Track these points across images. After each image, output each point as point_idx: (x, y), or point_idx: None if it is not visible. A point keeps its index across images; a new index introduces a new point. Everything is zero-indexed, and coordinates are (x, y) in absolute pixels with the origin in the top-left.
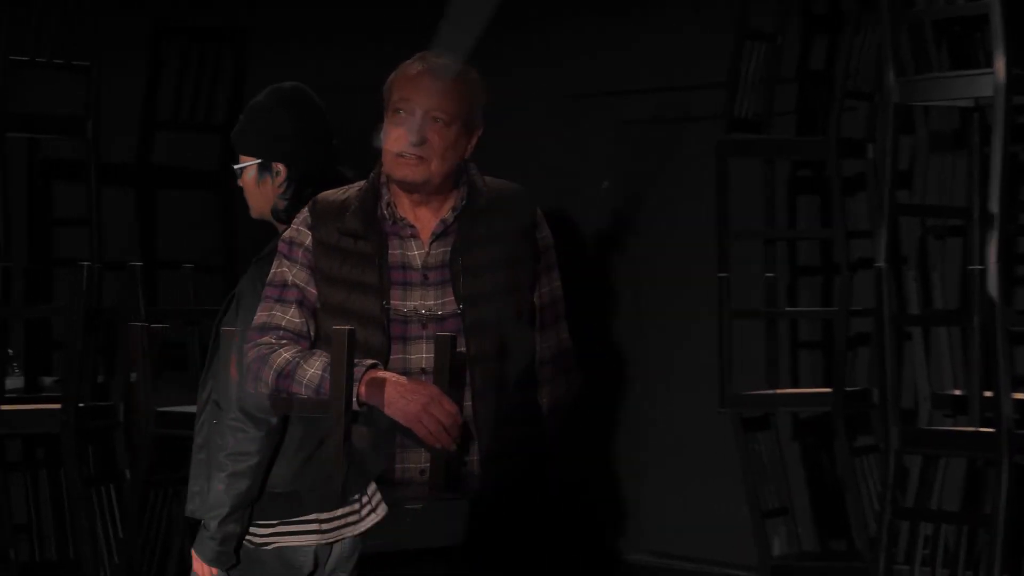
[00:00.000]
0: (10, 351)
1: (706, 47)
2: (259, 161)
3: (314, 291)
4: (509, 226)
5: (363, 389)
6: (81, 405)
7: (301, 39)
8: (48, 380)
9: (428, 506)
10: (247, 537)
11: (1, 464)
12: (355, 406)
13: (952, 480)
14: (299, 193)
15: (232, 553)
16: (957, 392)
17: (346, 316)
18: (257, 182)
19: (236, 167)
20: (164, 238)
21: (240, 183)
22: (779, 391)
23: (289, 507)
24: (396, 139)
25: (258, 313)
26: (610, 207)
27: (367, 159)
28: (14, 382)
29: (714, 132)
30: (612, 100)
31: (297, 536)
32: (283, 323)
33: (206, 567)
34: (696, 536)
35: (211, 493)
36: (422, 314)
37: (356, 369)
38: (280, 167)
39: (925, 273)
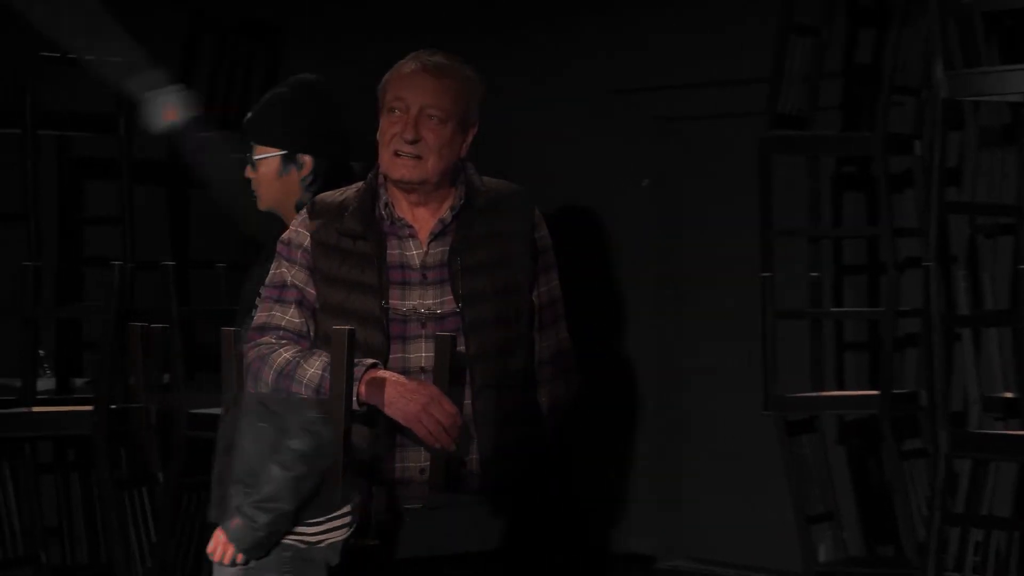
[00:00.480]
0: (41, 352)
1: (749, 41)
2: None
3: (313, 291)
4: (507, 226)
5: (363, 389)
6: (113, 407)
7: (335, 36)
8: (79, 381)
9: (457, 511)
10: (299, 537)
11: (32, 466)
12: (355, 406)
13: (1003, 485)
14: (324, 185)
15: (269, 546)
16: (1008, 394)
17: (345, 316)
18: (279, 174)
19: (256, 157)
20: (197, 237)
21: (253, 174)
22: (824, 393)
23: (332, 502)
24: (391, 138)
25: (257, 313)
26: (651, 205)
27: None
28: (45, 383)
29: (757, 128)
30: (653, 96)
31: (340, 531)
32: (283, 323)
33: (230, 549)
34: (738, 542)
35: (269, 486)
36: (421, 313)
37: (356, 369)
38: (306, 159)
39: (975, 272)
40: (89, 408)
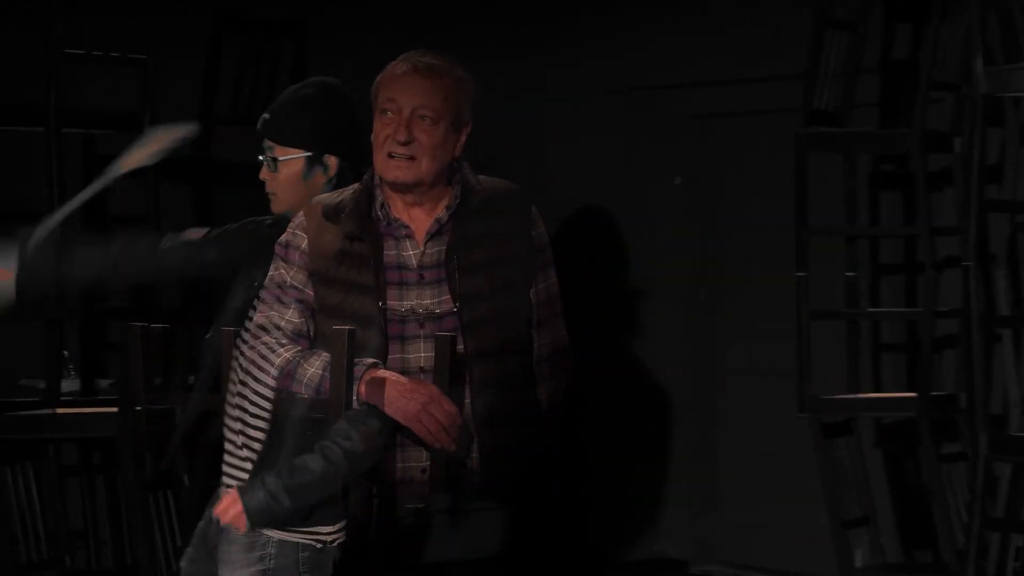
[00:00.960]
0: (66, 353)
1: (784, 36)
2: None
3: (312, 292)
4: (504, 224)
5: (363, 388)
6: (138, 408)
7: (362, 32)
8: (104, 383)
9: (457, 517)
10: (316, 537)
11: (57, 469)
12: (355, 405)
13: None
14: (347, 187)
15: (273, 526)
16: None
17: (343, 317)
18: (304, 176)
19: (282, 159)
20: None
21: (270, 175)
22: (861, 395)
23: (348, 505)
24: (385, 140)
25: (257, 314)
26: (683, 204)
27: None
28: (70, 385)
29: (792, 125)
30: (686, 92)
31: (343, 532)
32: (282, 323)
33: (242, 519)
34: (773, 546)
35: (305, 475)
36: (419, 313)
37: (356, 368)
38: (332, 161)
39: (1015, 272)
40: (114, 410)
